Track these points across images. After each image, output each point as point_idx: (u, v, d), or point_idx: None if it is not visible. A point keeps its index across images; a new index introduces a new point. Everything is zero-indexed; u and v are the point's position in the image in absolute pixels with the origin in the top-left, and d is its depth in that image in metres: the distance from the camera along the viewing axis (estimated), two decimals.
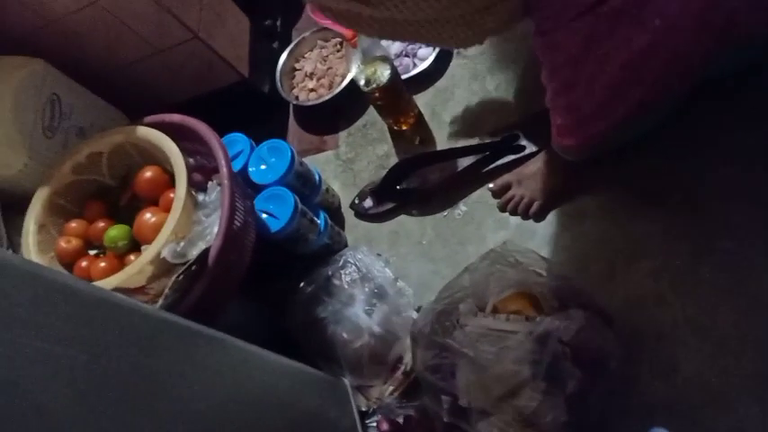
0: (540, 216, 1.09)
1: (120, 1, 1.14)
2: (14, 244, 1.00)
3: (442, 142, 1.27)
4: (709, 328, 0.90)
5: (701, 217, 0.97)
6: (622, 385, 0.88)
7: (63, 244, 0.98)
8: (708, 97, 0.96)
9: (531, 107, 1.18)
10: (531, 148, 1.15)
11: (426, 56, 1.35)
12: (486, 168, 1.19)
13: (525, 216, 1.10)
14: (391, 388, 1.06)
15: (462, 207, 1.20)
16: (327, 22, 1.25)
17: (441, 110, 1.32)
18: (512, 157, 1.16)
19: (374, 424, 1.03)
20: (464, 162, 1.21)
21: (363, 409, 1.06)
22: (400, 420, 1.02)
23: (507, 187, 1.13)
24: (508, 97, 1.25)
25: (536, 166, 1.08)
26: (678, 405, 0.88)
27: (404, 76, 1.34)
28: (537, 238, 1.09)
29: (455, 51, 1.35)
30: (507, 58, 1.28)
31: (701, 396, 0.87)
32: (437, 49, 1.33)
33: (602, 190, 1.06)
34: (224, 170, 0.93)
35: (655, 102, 0.83)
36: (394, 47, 1.40)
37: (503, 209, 1.13)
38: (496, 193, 1.15)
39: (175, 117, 1.03)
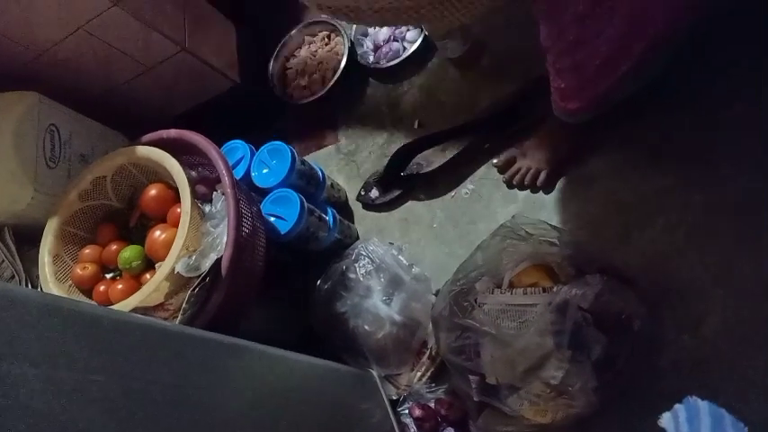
0: (548, 186, 1.08)
1: (103, 23, 1.15)
2: (32, 276, 1.02)
3: (441, 123, 1.26)
4: (731, 276, 0.89)
5: (710, 165, 0.96)
6: (650, 345, 0.88)
7: (79, 271, 0.99)
8: (697, 43, 0.94)
9: (528, 76, 1.16)
10: (531, 118, 1.13)
11: (415, 38, 1.34)
12: (489, 143, 1.18)
13: (533, 188, 1.09)
14: (419, 373, 1.06)
15: (469, 186, 1.19)
16: None
17: (436, 90, 1.31)
18: (513, 128, 1.15)
19: (406, 411, 1.03)
20: (466, 140, 1.20)
21: (394, 398, 1.06)
22: (431, 405, 1.02)
23: (512, 161, 1.11)
24: (503, 69, 1.23)
25: (539, 135, 1.07)
26: (708, 357, 0.87)
27: (394, 61, 1.33)
28: (547, 208, 1.08)
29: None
30: (497, 30, 1.27)
31: (731, 345, 0.86)
32: (425, 31, 1.32)
33: (608, 151, 1.05)
34: (226, 179, 0.94)
35: (656, 52, 0.82)
36: (381, 33, 1.38)
37: (510, 183, 1.12)
38: (502, 168, 1.14)
39: (172, 132, 1.03)
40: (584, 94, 0.89)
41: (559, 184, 1.08)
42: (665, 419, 0.56)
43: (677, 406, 0.56)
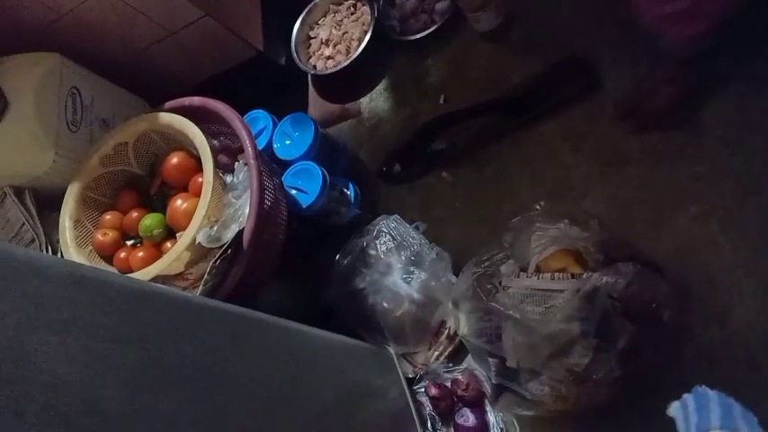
0: (690, 120, 0.97)
1: None
2: (52, 241, 1.02)
3: (468, 99, 1.23)
4: (762, 268, 0.87)
5: (745, 153, 0.92)
6: (677, 335, 0.86)
7: (100, 237, 0.99)
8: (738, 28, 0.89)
9: (558, 53, 1.12)
10: (559, 98, 1.10)
11: (444, 10, 1.30)
12: (516, 123, 1.14)
13: (673, 115, 0.98)
14: (436, 353, 1.05)
15: (493, 164, 1.16)
16: None
17: (463, 66, 1.28)
18: (540, 109, 1.12)
19: (422, 390, 1.03)
20: (492, 118, 1.16)
21: (410, 376, 1.06)
22: (448, 384, 1.02)
23: (637, 105, 1.01)
24: (533, 45, 1.19)
25: (659, 74, 0.97)
26: (735, 350, 0.85)
27: (422, 34, 1.30)
28: (575, 191, 1.05)
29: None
30: (528, 5, 1.22)
31: (759, 338, 0.84)
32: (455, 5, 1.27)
33: (642, 134, 1.01)
34: (249, 150, 0.92)
35: None
36: (409, 4, 1.34)
37: (643, 127, 1.01)
38: (626, 115, 1.03)
39: (195, 100, 1.01)
40: (707, 14, 0.80)
41: (589, 165, 1.05)
42: (674, 408, 0.55)
43: (686, 395, 0.55)
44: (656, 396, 0.86)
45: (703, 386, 0.55)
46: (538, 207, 0.88)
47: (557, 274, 0.78)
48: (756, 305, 0.86)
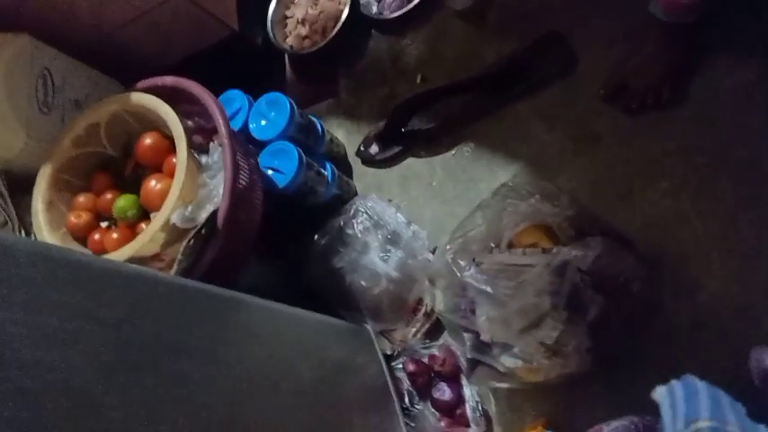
0: (676, 98, 0.96)
1: None
2: (26, 224, 1.01)
3: (445, 78, 1.23)
4: (733, 241, 0.89)
5: (715, 128, 0.94)
6: (647, 308, 0.88)
7: (73, 219, 0.98)
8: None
9: (535, 32, 1.12)
10: (537, 76, 1.10)
11: None
12: (493, 101, 1.15)
13: (660, 106, 0.97)
14: (414, 330, 1.07)
15: (470, 143, 1.17)
16: None
17: (440, 44, 1.27)
18: (518, 86, 1.12)
19: (400, 366, 1.04)
20: (469, 96, 1.17)
21: (388, 353, 1.07)
22: (425, 360, 1.03)
23: (622, 86, 0.99)
24: (510, 23, 1.19)
25: (646, 50, 0.95)
26: (705, 322, 0.87)
27: (398, 13, 1.29)
28: (550, 168, 1.06)
29: None
30: None
31: (728, 310, 0.86)
32: None
33: (614, 110, 1.02)
34: (222, 130, 0.91)
35: None
36: None
37: (629, 109, 0.99)
38: (611, 97, 1.01)
39: (168, 80, 1.00)
40: None
41: (564, 141, 1.06)
42: (660, 393, 0.54)
43: (674, 382, 0.54)
44: (628, 366, 0.88)
45: (692, 376, 0.54)
46: (510, 183, 0.89)
47: (528, 250, 0.79)
48: (726, 277, 0.88)
